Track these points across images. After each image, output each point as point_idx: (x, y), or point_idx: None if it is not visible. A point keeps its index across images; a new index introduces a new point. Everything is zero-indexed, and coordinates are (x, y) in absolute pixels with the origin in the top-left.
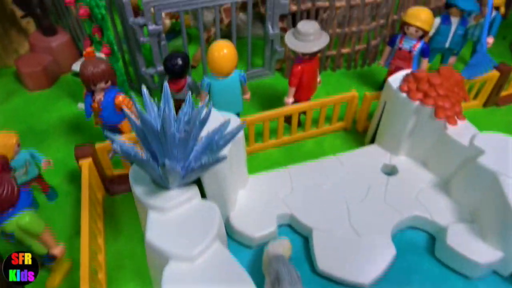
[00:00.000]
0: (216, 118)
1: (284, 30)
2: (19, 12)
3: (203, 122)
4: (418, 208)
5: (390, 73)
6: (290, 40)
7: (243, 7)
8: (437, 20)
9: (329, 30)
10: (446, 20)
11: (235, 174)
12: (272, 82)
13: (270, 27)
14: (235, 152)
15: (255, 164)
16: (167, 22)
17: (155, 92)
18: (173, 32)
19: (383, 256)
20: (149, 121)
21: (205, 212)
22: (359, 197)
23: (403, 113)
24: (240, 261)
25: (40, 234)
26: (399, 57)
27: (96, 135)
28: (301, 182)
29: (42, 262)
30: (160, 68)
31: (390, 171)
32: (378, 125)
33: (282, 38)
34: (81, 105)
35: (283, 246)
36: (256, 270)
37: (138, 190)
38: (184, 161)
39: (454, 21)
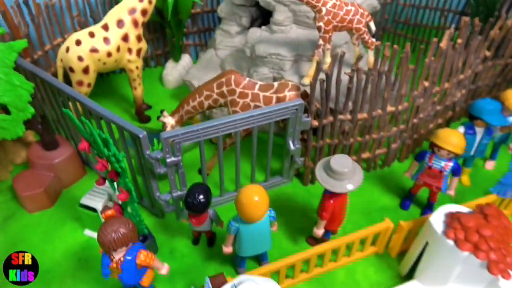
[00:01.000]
0: None
1: (304, 140)
2: None
3: None
4: None
5: (418, 187)
6: (322, 177)
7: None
8: (461, 130)
9: (350, 139)
10: (470, 129)
11: None
12: (291, 191)
13: (291, 143)
14: None
15: None
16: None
17: (170, 215)
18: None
19: None
20: None
21: None
22: None
23: (450, 260)
24: None
25: None
26: (429, 175)
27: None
28: None
29: None
30: (176, 193)
31: None
32: (417, 259)
33: (302, 150)
34: (87, 232)
35: None
36: None
37: None
38: None
39: (479, 130)
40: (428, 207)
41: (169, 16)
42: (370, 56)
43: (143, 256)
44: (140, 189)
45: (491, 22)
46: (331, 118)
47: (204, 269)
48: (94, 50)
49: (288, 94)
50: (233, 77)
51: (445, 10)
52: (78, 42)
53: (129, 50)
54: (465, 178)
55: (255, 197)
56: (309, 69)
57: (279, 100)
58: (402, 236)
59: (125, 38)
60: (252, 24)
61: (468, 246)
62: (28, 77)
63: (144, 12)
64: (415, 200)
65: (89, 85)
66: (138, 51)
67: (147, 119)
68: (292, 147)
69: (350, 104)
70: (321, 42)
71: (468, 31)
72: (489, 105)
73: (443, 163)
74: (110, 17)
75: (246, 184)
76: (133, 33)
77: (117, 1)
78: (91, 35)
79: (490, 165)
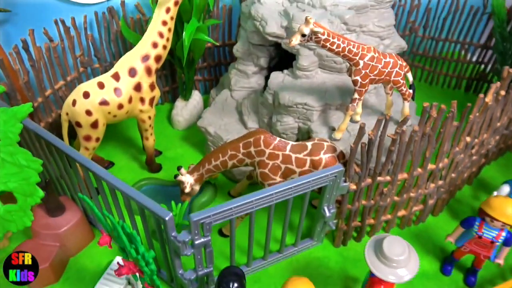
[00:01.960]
0: None
1: (338, 202)
2: None
3: None
4: None
5: (462, 253)
6: (373, 263)
7: None
8: (506, 189)
9: (387, 199)
10: None
11: None
12: (322, 254)
13: (326, 210)
14: None
15: None
16: (196, 188)
17: None
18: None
19: None
20: None
21: None
22: None
23: None
24: None
25: None
26: (477, 244)
27: None
28: None
29: None
30: (202, 271)
31: None
32: None
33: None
34: None
35: None
36: None
37: None
38: None
39: None
40: (472, 273)
41: (184, 62)
42: (405, 107)
43: None
44: (158, 259)
45: None
46: (369, 180)
47: None
48: (104, 103)
49: (324, 157)
50: (262, 137)
51: (466, 43)
52: (86, 95)
53: (142, 100)
54: None
55: None
56: (341, 123)
57: (313, 163)
58: None
59: (138, 87)
60: (269, 63)
61: None
62: (31, 137)
63: (158, 59)
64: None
65: (97, 139)
66: (151, 100)
67: (158, 168)
68: (327, 213)
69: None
70: (356, 96)
71: (509, 80)
72: None
73: (495, 233)
74: (121, 65)
75: (277, 253)
76: (146, 81)
77: (123, 38)
78: (101, 85)
79: None
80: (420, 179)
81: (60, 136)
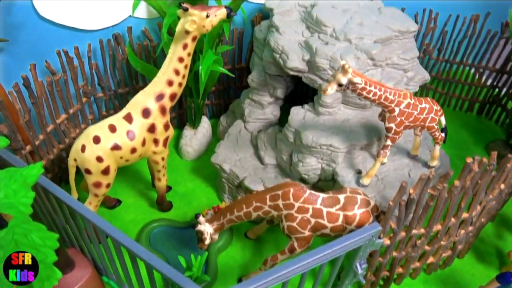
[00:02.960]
0: None
1: (369, 255)
2: None
3: None
4: None
5: None
6: None
7: None
8: None
9: (419, 251)
10: None
11: None
12: None
13: (358, 266)
14: None
15: None
16: (215, 237)
17: None
18: None
19: None
20: None
21: None
22: None
23: None
24: None
25: None
26: None
27: None
28: None
29: None
30: None
31: None
32: None
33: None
34: None
35: None
36: None
37: None
38: None
39: None
40: None
41: (200, 96)
42: (436, 150)
43: None
44: None
45: None
46: (403, 234)
47: None
48: (116, 148)
49: (359, 212)
50: (291, 190)
51: (481, 67)
52: (96, 139)
53: (156, 141)
54: None
55: None
56: (371, 169)
57: (347, 219)
58: None
59: (152, 128)
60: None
61: None
62: (37, 189)
63: (172, 97)
64: None
65: (108, 185)
66: (165, 141)
67: (169, 207)
68: (359, 270)
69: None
70: (389, 142)
71: None
72: None
73: None
74: (134, 106)
75: None
76: (160, 122)
77: (129, 65)
78: (112, 129)
79: None
80: (452, 228)
81: (62, 173)
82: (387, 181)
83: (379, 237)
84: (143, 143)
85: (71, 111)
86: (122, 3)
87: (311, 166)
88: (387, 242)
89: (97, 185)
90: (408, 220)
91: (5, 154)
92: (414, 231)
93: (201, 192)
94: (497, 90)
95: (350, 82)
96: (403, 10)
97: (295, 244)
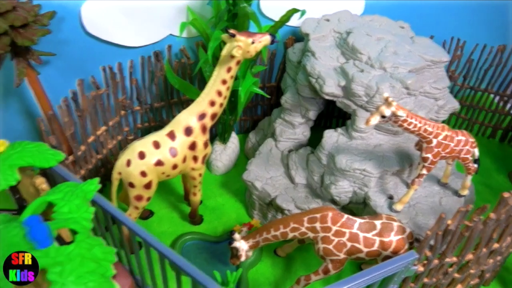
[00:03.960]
0: None
1: None
2: None
3: None
4: None
5: None
6: None
7: None
8: None
9: (449, 278)
10: None
11: None
12: None
13: None
14: None
15: None
16: (249, 254)
17: None
18: None
19: None
20: None
21: None
22: None
23: None
24: None
25: None
26: None
27: None
28: None
29: None
30: None
31: None
32: None
33: None
34: None
35: None
36: None
37: None
38: None
39: None
40: None
41: (237, 116)
42: (467, 180)
43: None
44: None
45: None
46: (436, 262)
47: None
48: (159, 163)
49: (395, 239)
50: (330, 214)
51: (506, 95)
52: (141, 155)
53: (195, 158)
54: None
55: None
56: (404, 196)
57: (383, 245)
58: None
59: (192, 146)
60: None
61: None
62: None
63: (213, 117)
64: None
65: (148, 199)
66: (204, 158)
67: (200, 220)
68: None
69: None
70: (424, 172)
71: None
72: None
73: None
74: (177, 124)
75: None
76: (201, 140)
77: (166, 81)
78: (156, 145)
79: None
80: (482, 257)
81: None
82: (419, 208)
83: (414, 264)
84: (184, 159)
85: (110, 123)
86: (164, 22)
87: (344, 189)
88: (421, 269)
89: (139, 198)
90: (442, 249)
91: (59, 169)
92: (447, 259)
93: (230, 207)
94: None
95: (394, 114)
96: (431, 37)
97: (330, 266)
